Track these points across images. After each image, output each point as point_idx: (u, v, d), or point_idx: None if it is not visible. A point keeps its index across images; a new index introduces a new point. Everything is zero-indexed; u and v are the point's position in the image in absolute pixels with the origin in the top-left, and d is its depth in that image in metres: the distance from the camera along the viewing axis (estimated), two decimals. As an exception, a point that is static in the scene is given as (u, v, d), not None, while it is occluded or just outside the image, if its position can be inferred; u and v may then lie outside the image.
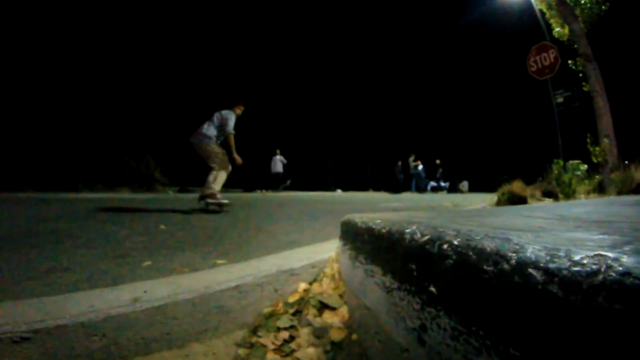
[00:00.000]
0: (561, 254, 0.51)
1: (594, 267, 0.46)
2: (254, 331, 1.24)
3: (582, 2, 8.93)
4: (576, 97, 8.37)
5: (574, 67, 8.36)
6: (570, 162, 7.78)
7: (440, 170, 21.13)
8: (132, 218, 4.12)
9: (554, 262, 0.49)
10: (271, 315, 1.30)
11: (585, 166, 7.12)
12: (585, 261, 0.47)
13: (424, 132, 32.98)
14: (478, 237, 0.63)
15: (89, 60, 14.68)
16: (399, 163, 19.97)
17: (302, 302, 1.35)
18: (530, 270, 0.49)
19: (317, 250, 1.70)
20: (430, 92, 35.93)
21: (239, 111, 5.88)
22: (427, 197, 12.24)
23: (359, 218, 1.23)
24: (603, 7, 8.95)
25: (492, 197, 6.56)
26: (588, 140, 7.79)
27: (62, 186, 9.67)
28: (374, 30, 40.41)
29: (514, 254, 0.52)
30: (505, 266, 0.52)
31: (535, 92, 9.20)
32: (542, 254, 0.52)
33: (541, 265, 0.48)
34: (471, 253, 0.58)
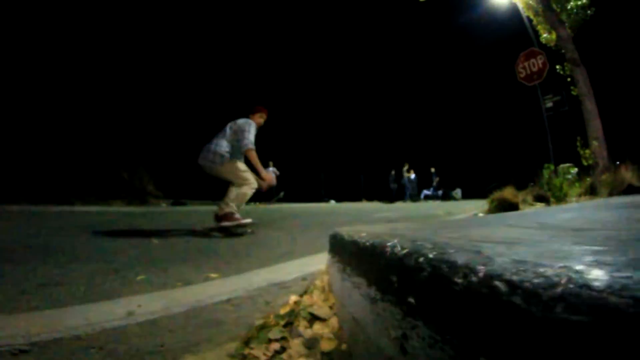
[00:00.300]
0: (527, 266, 0.54)
1: (555, 279, 0.49)
2: (246, 343, 1.27)
3: (569, 7, 9.11)
4: (565, 101, 8.50)
5: (562, 72, 8.51)
6: (561, 165, 7.90)
7: (437, 179, 21.35)
8: (125, 232, 4.13)
9: (518, 274, 0.52)
10: (263, 327, 1.32)
11: (576, 169, 7.24)
12: (548, 273, 0.51)
13: (417, 141, 33.25)
14: (452, 251, 0.67)
15: (82, 70, 14.68)
16: (392, 172, 20.14)
17: (293, 314, 1.38)
18: (495, 282, 0.52)
19: (308, 263, 1.73)
20: (423, 101, 36.27)
21: (260, 119, 4.85)
22: (421, 206, 12.32)
23: (346, 231, 1.26)
24: (589, 11, 9.13)
25: (484, 204, 6.62)
26: (578, 143, 7.92)
27: (56, 199, 9.63)
28: (366, 40, 40.75)
29: (482, 267, 0.56)
30: (474, 278, 0.55)
31: (525, 97, 9.34)
32: (509, 266, 0.55)
33: (506, 277, 0.52)
34: (444, 266, 0.62)
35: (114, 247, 3.04)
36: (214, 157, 4.35)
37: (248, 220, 4.41)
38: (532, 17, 9.10)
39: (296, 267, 1.64)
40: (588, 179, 7.36)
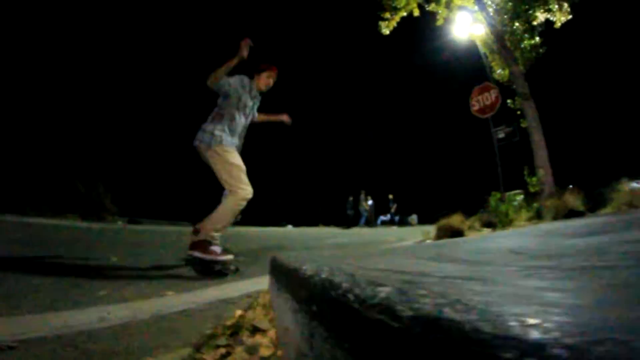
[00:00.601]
0: (367, 285, 0.88)
1: (369, 293, 0.83)
2: (198, 349, 1.55)
3: (522, 46, 9.96)
4: (517, 132, 9.23)
5: (512, 106, 9.26)
6: (508, 193, 8.56)
7: (395, 205, 22.31)
8: (84, 248, 4.28)
9: (359, 289, 0.86)
10: (212, 336, 1.61)
11: (521, 196, 7.89)
12: (376, 290, 0.85)
13: (376, 168, 34.37)
14: (337, 273, 1.01)
15: (42, 79, 14.51)
16: (350, 198, 20.83)
17: (238, 325, 1.68)
18: (349, 295, 0.86)
19: (255, 282, 2.03)
20: (383, 129, 37.63)
21: (268, 80, 3.97)
22: (376, 232, 12.83)
23: (280, 256, 1.59)
24: (541, 50, 10.01)
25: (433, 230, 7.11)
26: (525, 172, 8.62)
27: (9, 207, 9.45)
28: (327, 69, 41.81)
29: (347, 284, 0.90)
30: (340, 291, 0.89)
31: (479, 128, 10.02)
32: (361, 284, 0.89)
33: (355, 292, 0.86)
34: (327, 284, 0.95)
35: (74, 263, 3.23)
36: (202, 136, 3.68)
37: (228, 257, 3.42)
38: (488, 54, 9.89)
39: (244, 287, 1.95)
40: (535, 204, 8.03)
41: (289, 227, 18.80)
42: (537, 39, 10.18)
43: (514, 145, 9.38)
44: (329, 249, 4.94)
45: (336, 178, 31.60)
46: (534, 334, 0.39)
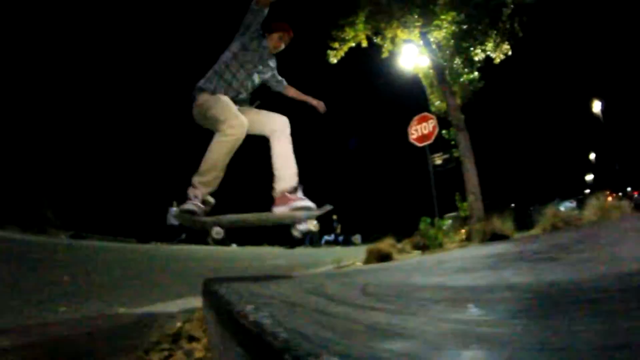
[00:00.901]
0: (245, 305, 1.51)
1: (249, 312, 1.46)
2: (147, 352, 2.12)
3: (461, 80, 10.97)
4: (453, 159, 10.25)
5: (447, 136, 10.28)
6: (445, 216, 9.52)
7: (339, 225, 23.38)
8: (34, 266, 4.66)
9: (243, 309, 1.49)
10: (158, 342, 2.18)
11: (450, 221, 8.84)
12: (251, 311, 1.48)
13: (321, 189, 35.77)
14: (233, 299, 1.63)
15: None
16: None
17: (178, 334, 2.26)
18: (236, 313, 1.49)
19: (193, 301, 2.61)
20: (329, 152, 39.42)
21: (279, 43, 3.61)
22: (318, 253, 13.59)
23: (208, 279, 2.19)
24: (478, 84, 11.08)
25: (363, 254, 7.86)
26: (456, 197, 9.61)
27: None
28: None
29: (229, 306, 1.52)
30: (232, 311, 1.51)
31: (418, 155, 10.93)
32: (248, 308, 1.52)
33: (232, 306, 1.49)
34: (223, 305, 1.57)
35: (30, 283, 3.66)
36: (194, 92, 3.45)
37: (196, 206, 3.19)
38: (427, 87, 10.89)
39: (184, 303, 2.52)
40: (465, 228, 9.01)
41: (234, 246, 19.14)
42: (476, 74, 11.19)
43: (453, 171, 10.39)
44: (264, 270, 5.56)
45: None
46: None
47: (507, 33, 10.59)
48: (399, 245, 6.99)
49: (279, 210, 3.23)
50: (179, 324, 2.31)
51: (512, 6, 10.43)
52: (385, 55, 11.24)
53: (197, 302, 2.50)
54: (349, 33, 11.01)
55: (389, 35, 11.10)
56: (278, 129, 3.47)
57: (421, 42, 11.06)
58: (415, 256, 6.52)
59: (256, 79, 3.65)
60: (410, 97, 12.87)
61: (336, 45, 11.16)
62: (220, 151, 3.23)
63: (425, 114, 10.18)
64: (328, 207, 3.42)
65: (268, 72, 3.79)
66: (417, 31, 11.02)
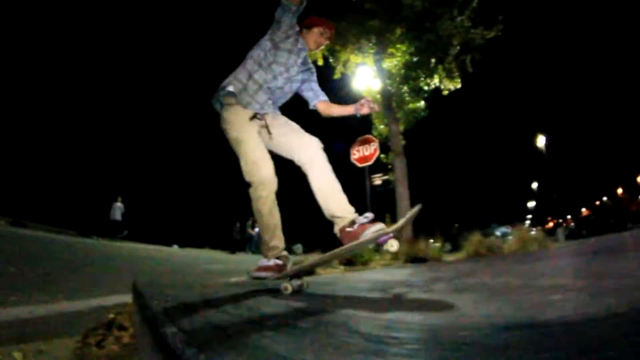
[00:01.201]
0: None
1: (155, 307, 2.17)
2: (85, 336, 2.76)
3: (406, 108, 11.86)
4: (389, 182, 11.22)
5: (385, 160, 11.24)
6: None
7: None
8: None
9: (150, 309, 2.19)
10: (94, 329, 2.82)
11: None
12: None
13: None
14: (147, 298, 2.32)
15: None
16: (237, 224, 22.11)
17: (110, 324, 2.90)
18: (146, 309, 2.19)
19: (126, 297, 3.25)
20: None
21: (320, 39, 3.25)
22: (254, 260, 14.11)
23: (137, 281, 2.87)
24: (422, 113, 12.05)
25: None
26: (387, 219, 10.56)
27: None
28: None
29: (144, 302, 2.22)
30: (145, 306, 2.21)
31: (357, 174, 11.65)
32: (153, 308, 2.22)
33: (148, 306, 2.19)
34: (141, 302, 2.25)
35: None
36: (217, 95, 3.17)
37: (284, 286, 2.72)
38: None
39: (117, 298, 3.17)
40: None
41: (175, 247, 19.42)
42: (422, 103, 12.09)
43: (389, 193, 11.32)
44: (195, 274, 6.19)
45: (230, 202, 32.87)
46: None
47: (457, 69, 11.32)
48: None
49: (350, 245, 2.75)
50: (112, 315, 2.95)
51: (458, 48, 11.29)
52: (337, 76, 11.93)
53: (128, 298, 3.15)
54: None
55: (343, 58, 11.80)
56: (310, 158, 3.02)
57: (375, 67, 11.80)
58: (339, 272, 7.21)
59: (289, 86, 3.25)
60: (355, 119, 13.72)
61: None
62: (259, 215, 3.00)
63: (368, 136, 11.07)
64: (400, 224, 2.98)
65: (305, 80, 3.40)
66: (371, 57, 11.80)
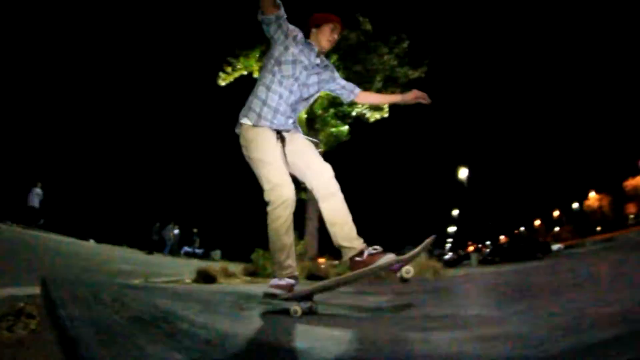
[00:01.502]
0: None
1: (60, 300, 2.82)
2: (-5, 320, 3.27)
3: (329, 131, 12.69)
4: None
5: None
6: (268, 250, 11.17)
7: (198, 239, 24.74)
8: None
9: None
10: (4, 315, 3.33)
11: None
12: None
13: (187, 200, 38.07)
14: (53, 291, 2.94)
15: None
16: (157, 224, 22.24)
17: (20, 312, 3.42)
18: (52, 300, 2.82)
19: (36, 289, 3.77)
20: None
21: (333, 36, 3.29)
22: (168, 263, 14.43)
23: (46, 276, 3.45)
24: (345, 138, 12.94)
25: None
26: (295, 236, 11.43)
27: None
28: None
29: (50, 295, 2.84)
30: (48, 301, 2.83)
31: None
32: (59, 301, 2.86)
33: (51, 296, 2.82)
34: (48, 295, 2.87)
35: None
36: (237, 126, 3.27)
37: (296, 308, 2.87)
38: (298, 131, 12.56)
39: (28, 290, 3.69)
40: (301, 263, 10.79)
41: (92, 241, 19.00)
42: (346, 127, 12.95)
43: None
44: (107, 272, 6.60)
45: (152, 200, 32.58)
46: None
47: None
48: (232, 269, 8.39)
49: (362, 270, 2.89)
50: (22, 304, 3.48)
51: (381, 83, 12.33)
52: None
53: (37, 290, 3.69)
54: (242, 62, 12.06)
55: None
56: (323, 186, 3.13)
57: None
58: (240, 283, 7.86)
59: (307, 91, 3.26)
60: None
61: (229, 69, 12.14)
62: (276, 234, 3.05)
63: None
64: (413, 253, 2.96)
65: (330, 80, 3.45)
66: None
